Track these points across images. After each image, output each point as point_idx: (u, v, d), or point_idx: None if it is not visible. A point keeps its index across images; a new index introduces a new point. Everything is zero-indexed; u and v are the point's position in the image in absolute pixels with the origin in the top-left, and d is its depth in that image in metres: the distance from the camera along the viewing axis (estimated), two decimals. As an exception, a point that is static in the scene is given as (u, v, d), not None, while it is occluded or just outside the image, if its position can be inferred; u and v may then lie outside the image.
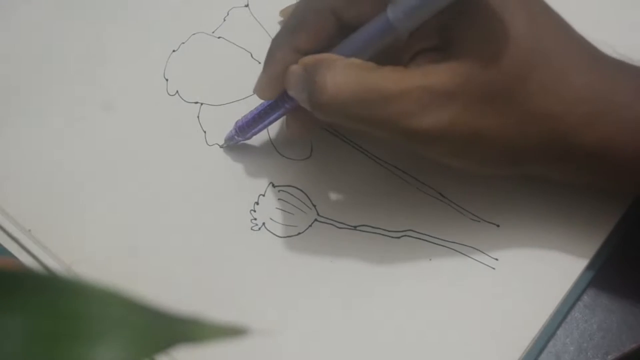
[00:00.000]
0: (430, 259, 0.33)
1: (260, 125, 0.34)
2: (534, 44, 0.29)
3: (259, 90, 0.33)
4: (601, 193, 0.33)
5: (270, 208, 0.35)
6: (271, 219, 0.34)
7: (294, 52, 0.31)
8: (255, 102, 0.35)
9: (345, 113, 0.29)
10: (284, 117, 0.34)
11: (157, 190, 0.35)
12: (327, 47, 0.31)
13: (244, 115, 0.35)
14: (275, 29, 0.38)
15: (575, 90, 0.29)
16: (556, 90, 0.29)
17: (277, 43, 0.32)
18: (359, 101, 0.28)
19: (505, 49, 0.28)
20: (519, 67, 0.28)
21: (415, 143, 0.30)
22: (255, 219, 0.34)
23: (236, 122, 0.35)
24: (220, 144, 0.36)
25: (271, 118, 0.34)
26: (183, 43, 0.38)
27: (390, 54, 0.30)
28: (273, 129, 0.36)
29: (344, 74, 0.29)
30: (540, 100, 0.29)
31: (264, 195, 0.35)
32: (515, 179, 0.34)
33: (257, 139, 0.36)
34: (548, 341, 0.32)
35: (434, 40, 0.29)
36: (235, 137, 0.35)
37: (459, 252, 0.34)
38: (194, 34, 0.38)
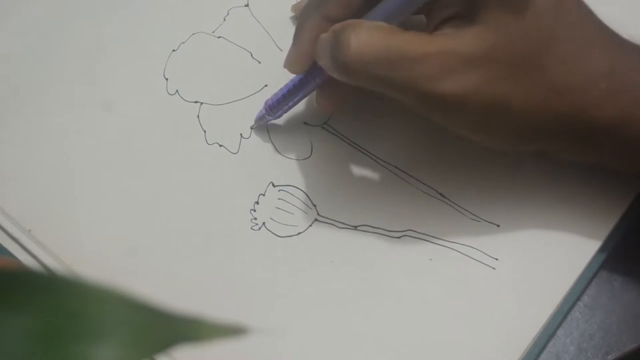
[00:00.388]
0: (430, 259, 0.33)
1: (290, 103, 0.34)
2: (558, 17, 0.29)
3: (289, 64, 0.33)
4: (604, 190, 0.33)
5: (271, 208, 0.35)
6: (271, 218, 0.34)
7: (323, 20, 0.31)
8: (256, 102, 0.35)
9: (368, 74, 0.29)
10: (313, 93, 0.34)
11: (157, 190, 0.35)
12: (356, 17, 0.31)
13: (274, 94, 0.35)
14: (275, 28, 0.38)
15: (596, 67, 0.29)
16: (578, 64, 0.29)
17: (305, 14, 0.32)
18: (382, 61, 0.28)
19: (530, 18, 0.28)
20: (543, 36, 0.29)
21: (436, 109, 0.29)
22: (255, 219, 0.34)
23: (266, 101, 0.35)
24: (251, 125, 0.36)
25: (301, 94, 0.34)
26: (183, 42, 0.38)
27: (415, 27, 0.30)
28: (273, 129, 0.36)
29: (368, 34, 0.28)
30: (562, 72, 0.29)
31: (264, 195, 0.35)
32: (515, 179, 0.34)
33: (258, 138, 0.36)
34: (548, 341, 0.32)
35: (458, 7, 0.29)
36: (266, 116, 0.35)
37: (459, 252, 0.34)
38: (194, 33, 0.38)
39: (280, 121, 0.36)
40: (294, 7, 0.38)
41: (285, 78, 0.34)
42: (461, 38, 0.28)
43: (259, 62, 0.38)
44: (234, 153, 0.36)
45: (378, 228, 0.34)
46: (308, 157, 0.36)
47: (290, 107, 0.35)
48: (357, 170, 0.35)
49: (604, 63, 0.29)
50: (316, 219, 0.34)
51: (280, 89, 0.35)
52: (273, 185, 0.35)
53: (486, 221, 0.34)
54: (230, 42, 0.38)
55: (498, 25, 0.28)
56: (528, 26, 0.28)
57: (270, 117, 0.35)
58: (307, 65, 0.33)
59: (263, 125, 0.36)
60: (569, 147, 0.31)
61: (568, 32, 0.29)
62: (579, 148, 0.31)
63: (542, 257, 0.33)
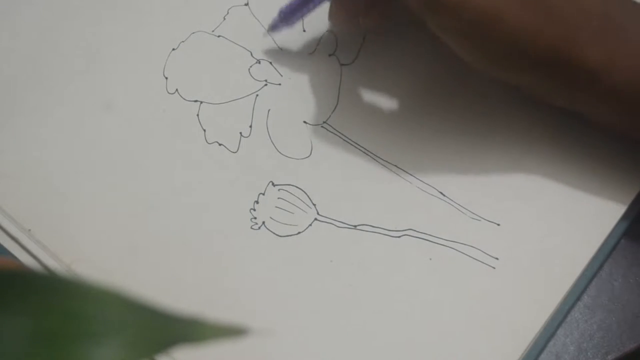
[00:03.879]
0: (430, 258, 0.33)
1: (305, 9, 0.35)
2: None
3: None
4: (604, 191, 0.33)
5: (270, 207, 0.35)
6: (271, 218, 0.34)
7: None
8: (255, 101, 0.35)
9: None
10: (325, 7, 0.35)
11: (156, 189, 0.35)
12: None
13: (289, 2, 0.36)
14: (275, 28, 0.38)
15: (593, 5, 0.31)
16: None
17: None
18: None
19: None
20: None
21: (431, 12, 0.31)
22: (255, 218, 0.34)
23: (280, 9, 0.36)
24: (263, 32, 0.37)
25: (315, 2, 0.35)
26: (183, 41, 0.38)
27: None
28: (273, 128, 0.36)
29: None
30: (561, 2, 0.31)
31: (263, 194, 0.35)
32: (516, 177, 0.34)
33: (257, 136, 0.36)
34: (548, 341, 0.32)
35: None
36: (279, 23, 0.36)
37: (459, 251, 0.33)
38: (193, 32, 0.38)
39: (280, 120, 0.36)
40: None
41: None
42: None
43: (259, 62, 0.38)
44: (233, 152, 0.36)
45: (378, 227, 0.34)
46: (308, 156, 0.36)
47: (303, 15, 0.35)
48: (357, 169, 0.35)
49: (601, 3, 0.31)
50: (316, 218, 0.34)
51: None
52: (273, 184, 0.35)
53: (486, 220, 0.34)
54: (230, 41, 0.38)
55: None
56: None
57: (283, 24, 0.36)
58: None
59: (275, 34, 0.37)
60: (549, 83, 0.32)
61: None
62: (559, 86, 0.32)
63: (542, 257, 0.33)
